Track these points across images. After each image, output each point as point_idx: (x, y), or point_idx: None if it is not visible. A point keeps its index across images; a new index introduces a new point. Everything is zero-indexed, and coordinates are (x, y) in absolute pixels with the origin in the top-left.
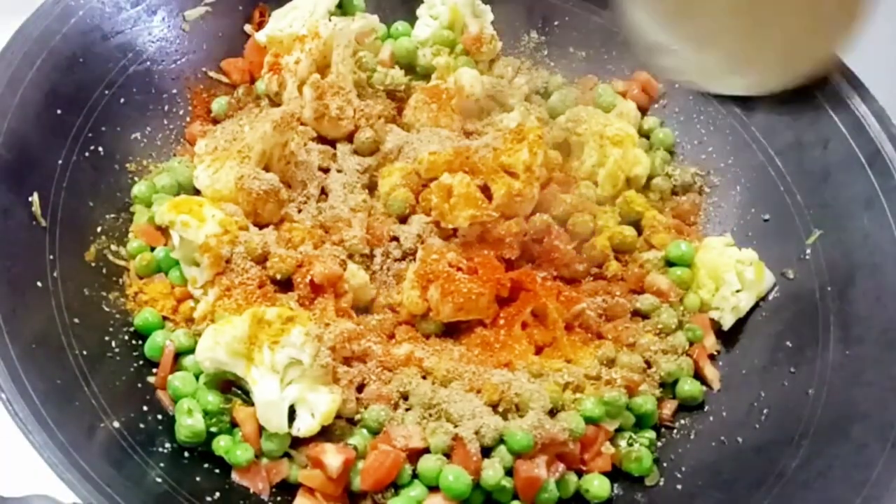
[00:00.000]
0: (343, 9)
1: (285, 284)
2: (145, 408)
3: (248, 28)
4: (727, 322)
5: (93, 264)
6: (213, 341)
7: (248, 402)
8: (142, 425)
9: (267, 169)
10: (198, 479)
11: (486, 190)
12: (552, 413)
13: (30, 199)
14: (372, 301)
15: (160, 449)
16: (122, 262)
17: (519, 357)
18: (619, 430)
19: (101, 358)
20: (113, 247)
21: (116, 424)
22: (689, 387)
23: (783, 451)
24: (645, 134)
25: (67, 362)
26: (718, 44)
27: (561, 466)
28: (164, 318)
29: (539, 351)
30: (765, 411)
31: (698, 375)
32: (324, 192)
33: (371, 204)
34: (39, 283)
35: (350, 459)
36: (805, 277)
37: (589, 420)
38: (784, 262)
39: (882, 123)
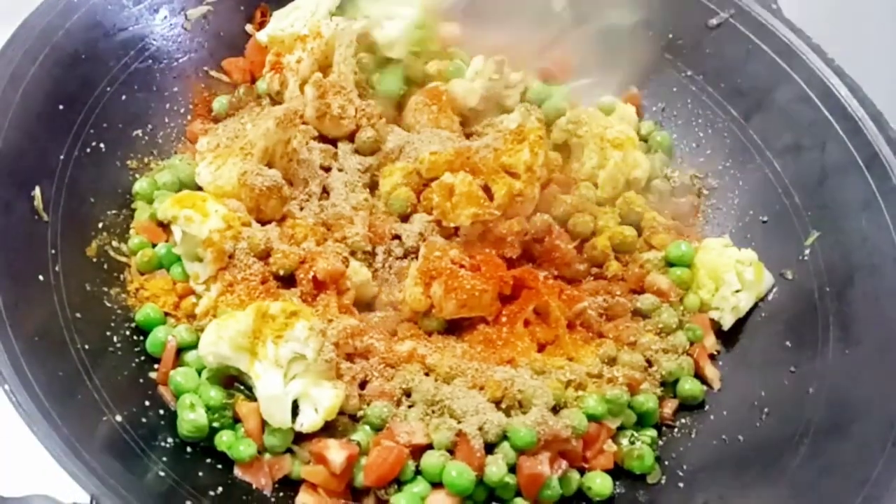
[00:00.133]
0: (343, 9)
1: (288, 280)
2: (147, 402)
3: (249, 28)
4: (727, 322)
5: (94, 260)
6: (217, 336)
7: (251, 397)
8: (144, 420)
9: (269, 166)
10: (200, 474)
11: (486, 190)
12: (555, 410)
13: (32, 193)
14: (374, 298)
15: (163, 444)
16: (123, 258)
17: (521, 354)
18: (621, 428)
19: (103, 352)
20: (114, 243)
21: (119, 418)
22: (689, 386)
23: (783, 451)
24: (643, 138)
25: (69, 356)
26: None
27: (564, 464)
28: (166, 314)
29: (541, 349)
30: (765, 410)
31: (699, 375)
32: (325, 191)
33: (373, 202)
34: (41, 277)
35: (353, 455)
36: (804, 278)
37: (591, 417)
38: (783, 264)
39: (879, 126)
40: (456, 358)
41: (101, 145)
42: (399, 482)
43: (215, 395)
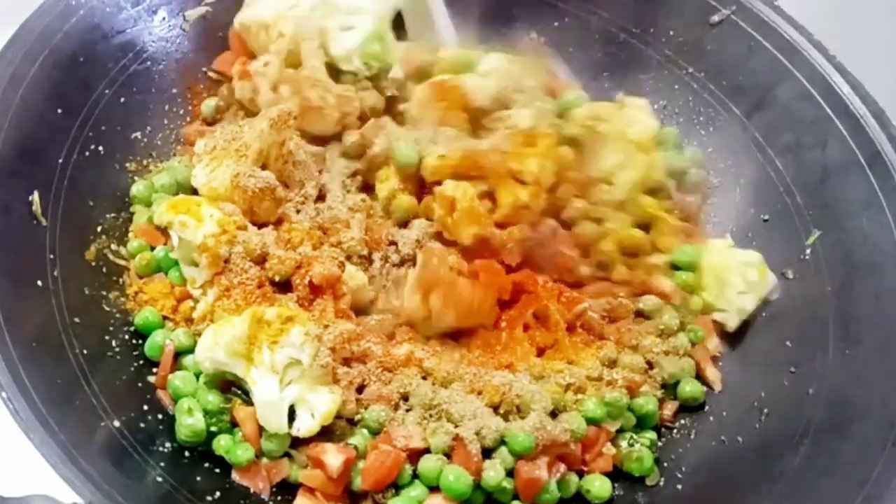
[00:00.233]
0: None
1: (284, 285)
2: (146, 407)
3: None
4: (732, 324)
5: (93, 263)
6: (213, 341)
7: (248, 401)
8: (142, 425)
9: (264, 168)
10: (198, 478)
11: (491, 196)
12: (553, 414)
13: (30, 197)
14: (371, 303)
15: (160, 448)
16: (122, 262)
17: (520, 359)
18: (621, 430)
19: (102, 357)
20: (113, 246)
21: (117, 424)
22: (690, 388)
23: (783, 451)
24: None
25: (68, 361)
26: None
27: (562, 467)
28: (165, 317)
29: (541, 353)
30: (765, 411)
31: (700, 376)
32: (322, 193)
33: (370, 203)
34: (39, 282)
35: (350, 459)
36: (805, 278)
37: (590, 421)
38: (784, 263)
39: (881, 124)
40: (454, 362)
41: (100, 148)
42: (396, 486)
43: (213, 399)
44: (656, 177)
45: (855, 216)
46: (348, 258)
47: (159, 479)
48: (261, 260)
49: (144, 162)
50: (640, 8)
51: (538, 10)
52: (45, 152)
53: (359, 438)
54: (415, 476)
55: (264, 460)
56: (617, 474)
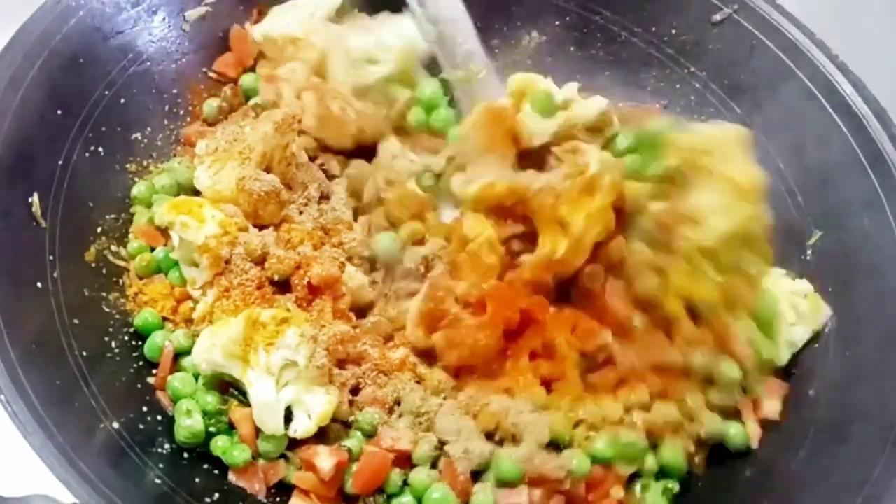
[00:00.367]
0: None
1: (284, 286)
2: (145, 408)
3: (247, 26)
4: (783, 358)
5: (93, 265)
6: (210, 343)
7: (246, 402)
8: (141, 426)
9: (268, 170)
10: (197, 479)
11: (525, 237)
12: (559, 448)
13: (30, 199)
14: (371, 304)
15: (159, 450)
16: (122, 263)
17: (522, 389)
18: (638, 475)
19: (101, 358)
20: (113, 247)
21: (116, 425)
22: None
23: (783, 452)
24: None
25: (67, 363)
26: None
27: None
28: (164, 318)
29: (548, 385)
30: None
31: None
32: (325, 194)
33: None
34: (39, 284)
35: (343, 462)
36: (806, 278)
37: (598, 461)
38: (785, 263)
39: (883, 123)
40: (447, 375)
41: (100, 149)
42: (388, 495)
43: (211, 400)
44: (756, 232)
45: (856, 216)
46: (349, 259)
47: (158, 480)
48: (261, 260)
49: (144, 163)
50: (642, 7)
51: (539, 8)
52: (45, 153)
53: (353, 441)
54: (406, 485)
55: (261, 461)
56: None
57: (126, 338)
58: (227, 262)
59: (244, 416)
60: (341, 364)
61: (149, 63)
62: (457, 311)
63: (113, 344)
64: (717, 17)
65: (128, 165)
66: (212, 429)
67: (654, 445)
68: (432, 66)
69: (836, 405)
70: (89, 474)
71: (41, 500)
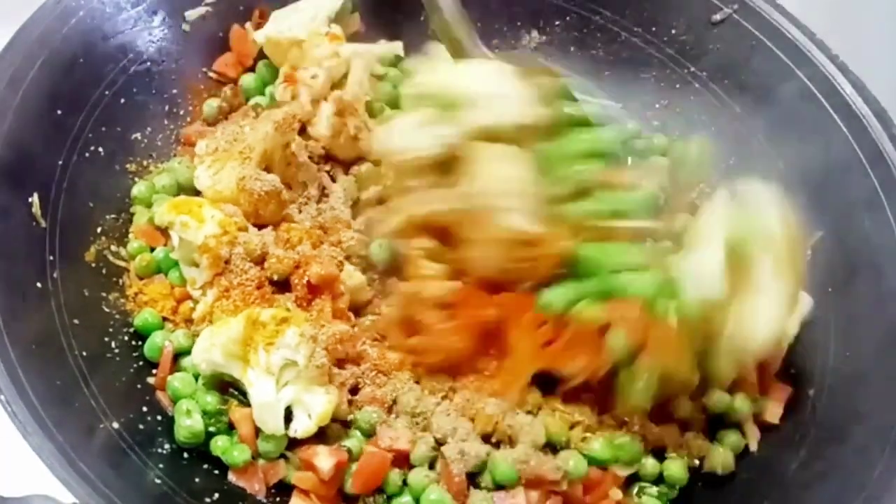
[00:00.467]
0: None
1: (284, 285)
2: (145, 408)
3: (247, 26)
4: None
5: (93, 265)
6: (210, 343)
7: (246, 402)
8: (141, 426)
9: (268, 170)
10: (197, 479)
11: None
12: (555, 449)
13: (29, 199)
14: (369, 303)
15: (159, 450)
16: (122, 263)
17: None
18: (637, 478)
19: (101, 359)
20: (113, 247)
21: (116, 425)
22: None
23: (783, 453)
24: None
25: (67, 363)
26: None
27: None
28: (164, 318)
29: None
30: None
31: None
32: (325, 193)
33: None
34: (39, 284)
35: (342, 462)
36: (806, 278)
37: (594, 462)
38: None
39: (883, 123)
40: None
41: (100, 149)
42: (388, 496)
43: (211, 400)
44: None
45: (856, 216)
46: (347, 258)
47: (158, 480)
48: (261, 260)
49: (144, 163)
50: (642, 7)
51: (539, 9)
52: (44, 154)
53: (353, 441)
54: (406, 485)
55: (261, 461)
56: None
57: (126, 338)
58: (227, 261)
59: (244, 416)
60: (340, 364)
61: (149, 63)
62: (427, 316)
63: (113, 344)
64: (717, 17)
65: (128, 165)
66: (212, 429)
67: (652, 450)
68: None
69: (835, 406)
70: (89, 474)
71: (41, 500)
